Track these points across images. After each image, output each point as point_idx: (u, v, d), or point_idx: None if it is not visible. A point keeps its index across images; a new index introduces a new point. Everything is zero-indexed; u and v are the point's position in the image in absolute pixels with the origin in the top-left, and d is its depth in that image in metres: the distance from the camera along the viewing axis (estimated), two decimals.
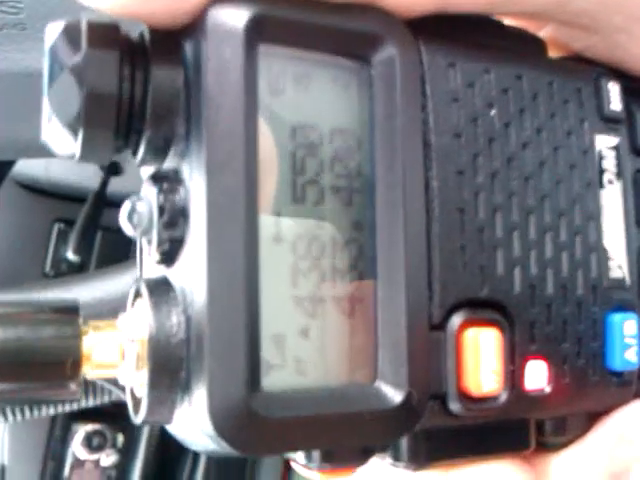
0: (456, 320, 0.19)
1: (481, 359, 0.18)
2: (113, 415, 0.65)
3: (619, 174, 0.22)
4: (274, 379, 0.17)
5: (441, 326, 0.18)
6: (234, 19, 0.17)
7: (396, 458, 0.19)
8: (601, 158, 0.21)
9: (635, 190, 0.22)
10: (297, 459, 0.18)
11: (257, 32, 0.17)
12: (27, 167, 0.58)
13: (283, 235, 0.17)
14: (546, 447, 0.21)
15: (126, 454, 0.68)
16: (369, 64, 0.18)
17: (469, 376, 0.18)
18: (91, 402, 0.58)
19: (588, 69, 0.22)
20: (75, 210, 0.56)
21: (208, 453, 0.17)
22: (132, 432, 0.68)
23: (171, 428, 0.17)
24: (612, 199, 0.22)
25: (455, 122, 0.19)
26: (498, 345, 0.19)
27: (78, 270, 0.60)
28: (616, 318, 0.21)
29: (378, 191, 0.18)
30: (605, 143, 0.22)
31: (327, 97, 0.18)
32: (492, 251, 0.19)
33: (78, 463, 0.66)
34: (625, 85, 0.23)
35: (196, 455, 0.74)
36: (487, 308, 0.19)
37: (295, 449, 0.18)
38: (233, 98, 0.16)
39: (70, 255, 0.57)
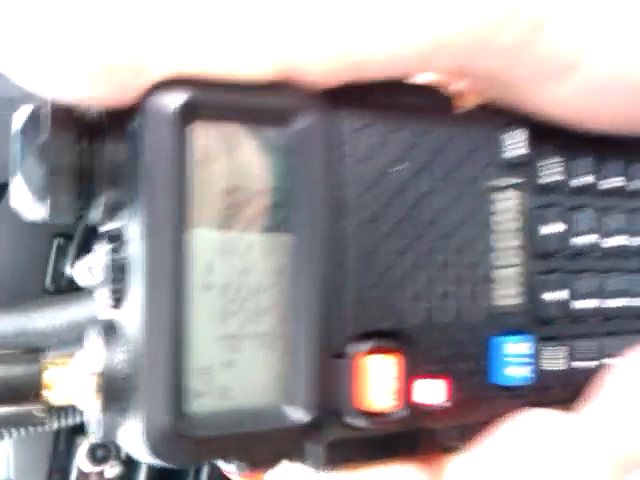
0: (360, 348, 0.23)
1: (377, 381, 0.22)
2: None
3: (517, 213, 0.25)
4: (201, 404, 0.21)
5: (345, 354, 0.23)
6: (168, 103, 0.20)
7: (309, 463, 0.23)
8: (501, 200, 0.25)
9: (537, 223, 0.26)
10: (221, 465, 0.23)
11: (188, 114, 0.21)
12: None
13: (213, 283, 0.21)
14: (446, 450, 0.25)
15: (130, 465, 0.71)
16: (290, 132, 0.22)
17: (366, 396, 0.22)
18: None
19: (494, 118, 0.26)
20: (74, 225, 0.60)
21: (151, 464, 0.21)
22: None
23: (122, 444, 0.22)
24: (509, 236, 0.25)
25: (368, 177, 0.23)
26: (393, 369, 0.23)
27: (78, 285, 0.63)
28: (505, 340, 0.25)
29: (298, 239, 0.22)
30: (506, 186, 0.25)
31: (255, 162, 0.22)
32: (397, 288, 0.23)
33: (83, 475, 0.69)
34: (531, 129, 0.26)
35: (198, 468, 0.77)
36: (389, 337, 0.23)
37: (216, 459, 0.22)
38: (166, 171, 0.20)
39: (69, 270, 0.61)
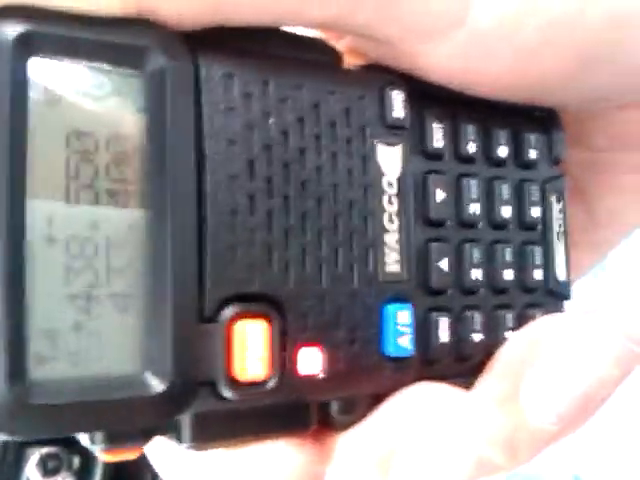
0: (227, 313, 0.21)
1: (247, 348, 0.21)
2: (68, 437, 0.67)
3: (399, 177, 0.25)
4: (45, 370, 0.20)
5: (213, 319, 0.21)
6: (4, 34, 0.19)
7: (179, 439, 0.22)
8: (381, 163, 0.24)
9: (423, 190, 0.26)
10: (82, 440, 0.22)
11: (26, 47, 0.19)
12: None
13: (55, 236, 0.20)
14: (334, 426, 0.24)
15: (82, 476, 0.70)
16: (142, 73, 0.21)
17: (236, 364, 0.21)
18: None
19: (376, 78, 0.25)
20: None
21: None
22: (88, 454, 0.70)
23: None
24: (392, 200, 0.25)
25: (230, 130, 0.22)
26: (265, 335, 0.22)
27: None
28: (390, 308, 0.24)
29: (150, 195, 0.21)
30: (387, 149, 0.25)
31: (104, 106, 0.21)
32: (266, 250, 0.22)
33: None
34: (419, 90, 0.26)
35: (155, 476, 0.76)
36: (258, 301, 0.22)
37: (66, 432, 0.21)
38: (0, 107, 0.19)
39: None
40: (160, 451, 0.24)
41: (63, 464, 0.68)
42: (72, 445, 0.68)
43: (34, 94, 0.20)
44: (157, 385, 0.21)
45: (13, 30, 0.19)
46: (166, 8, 0.21)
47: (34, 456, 0.67)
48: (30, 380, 0.19)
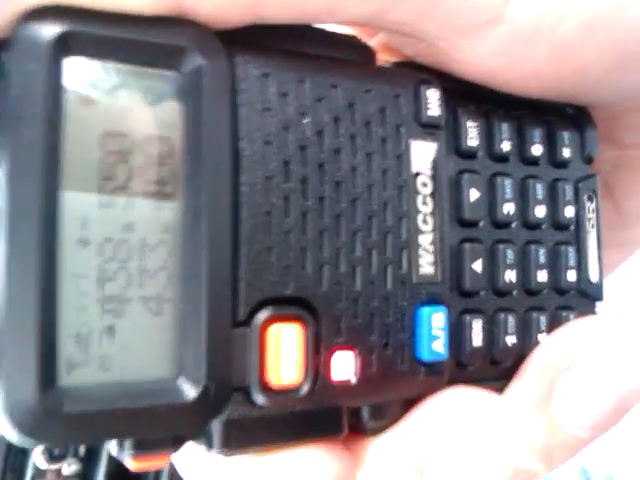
0: (260, 317, 0.21)
1: (281, 353, 0.21)
2: None
3: (434, 177, 0.24)
4: (77, 376, 0.19)
5: (246, 322, 0.21)
6: (41, 33, 0.19)
7: (209, 445, 0.21)
8: (416, 162, 0.24)
9: (457, 190, 0.25)
10: (110, 448, 0.21)
11: (63, 47, 0.19)
12: None
13: (90, 238, 0.19)
14: (365, 432, 0.23)
15: (88, 463, 0.69)
16: (179, 74, 0.20)
17: (270, 369, 0.21)
18: None
19: (410, 76, 0.24)
20: None
21: (19, 444, 0.19)
22: None
23: None
24: (426, 201, 0.24)
25: (266, 130, 0.21)
26: (299, 339, 0.21)
27: None
28: (424, 311, 0.23)
29: (185, 196, 0.20)
30: (421, 148, 0.24)
31: (139, 106, 0.20)
32: (300, 252, 0.22)
33: (39, 473, 0.67)
34: (454, 88, 0.25)
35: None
36: (292, 305, 0.21)
37: (96, 440, 0.20)
38: (35, 108, 0.18)
39: None
40: (186, 456, 0.23)
41: (69, 450, 0.68)
42: None
43: (69, 94, 0.19)
44: (190, 391, 0.20)
45: (50, 30, 0.19)
46: (203, 7, 0.20)
47: None
48: (61, 387, 0.19)
